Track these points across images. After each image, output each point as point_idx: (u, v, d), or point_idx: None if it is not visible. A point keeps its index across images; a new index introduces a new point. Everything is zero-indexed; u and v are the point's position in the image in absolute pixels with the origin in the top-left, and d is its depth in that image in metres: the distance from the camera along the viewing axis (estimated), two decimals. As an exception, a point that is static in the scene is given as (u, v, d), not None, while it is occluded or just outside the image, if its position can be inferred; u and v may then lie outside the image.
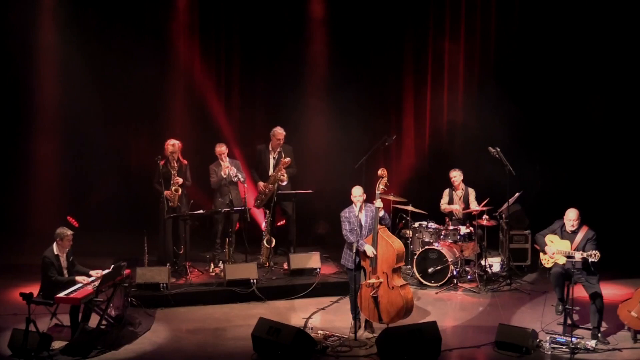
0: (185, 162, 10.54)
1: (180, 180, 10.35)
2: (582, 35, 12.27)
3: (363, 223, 8.52)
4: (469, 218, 10.82)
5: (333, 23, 12.73)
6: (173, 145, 10.40)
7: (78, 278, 8.48)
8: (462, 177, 10.90)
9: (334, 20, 12.76)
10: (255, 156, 11.12)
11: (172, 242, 10.47)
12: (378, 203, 8.45)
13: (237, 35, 12.89)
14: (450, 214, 10.99)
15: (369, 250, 8.41)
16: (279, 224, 11.18)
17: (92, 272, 8.67)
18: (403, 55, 12.71)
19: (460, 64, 12.52)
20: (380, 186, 8.64)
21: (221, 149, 10.63)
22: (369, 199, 8.65)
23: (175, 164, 10.36)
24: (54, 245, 8.52)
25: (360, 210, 8.50)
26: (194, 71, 12.93)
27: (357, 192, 8.53)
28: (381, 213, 8.48)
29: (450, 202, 11.02)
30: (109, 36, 12.48)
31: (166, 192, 10.28)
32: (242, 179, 10.48)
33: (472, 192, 10.94)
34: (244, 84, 13.00)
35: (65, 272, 8.56)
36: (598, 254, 8.15)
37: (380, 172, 8.68)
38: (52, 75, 12.40)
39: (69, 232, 8.55)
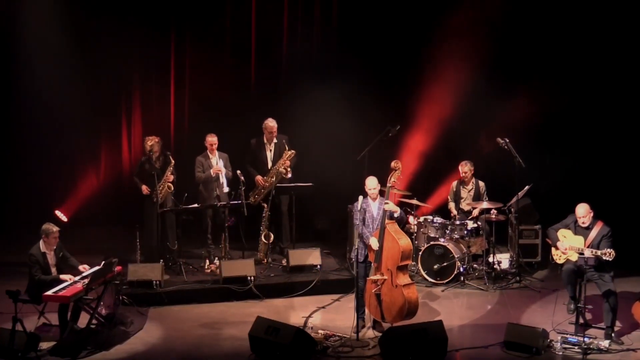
0: (168, 155, 10.52)
1: (172, 177, 10.34)
2: (595, 22, 12.23)
3: (375, 215, 8.59)
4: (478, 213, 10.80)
5: (335, 8, 12.68)
6: (151, 141, 10.37)
7: (63, 276, 8.47)
8: (472, 171, 10.88)
9: (336, 5, 12.72)
10: (250, 151, 11.10)
11: (162, 238, 10.43)
12: (388, 206, 8.48)
13: (230, 22, 12.84)
14: (457, 207, 10.98)
15: (374, 242, 8.45)
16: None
17: (80, 267, 8.64)
18: (409, 44, 12.66)
19: (468, 53, 12.48)
20: (392, 179, 8.67)
21: (212, 139, 10.64)
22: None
23: (159, 160, 10.31)
24: (41, 242, 8.51)
25: (373, 201, 8.59)
26: (187, 62, 12.90)
27: (372, 184, 8.61)
28: (397, 214, 8.55)
29: (457, 195, 11.00)
30: (99, 26, 12.42)
31: (145, 188, 10.26)
32: (238, 173, 10.46)
33: (482, 186, 10.91)
34: (238, 74, 12.95)
35: (53, 269, 8.54)
36: (613, 252, 8.11)
37: (393, 164, 8.73)
38: (37, 65, 12.32)
39: (55, 229, 8.53)
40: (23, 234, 10.77)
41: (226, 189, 10.64)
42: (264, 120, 10.91)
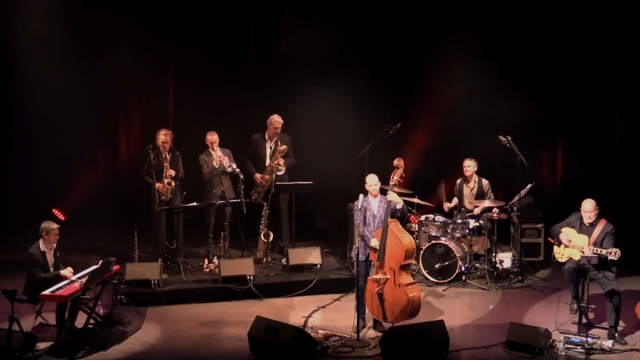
0: (177, 152, 10.54)
1: (173, 172, 10.34)
2: (597, 18, 12.21)
3: (376, 213, 8.58)
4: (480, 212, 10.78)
5: (337, 4, 12.65)
6: (165, 134, 10.40)
7: (63, 272, 8.47)
8: (475, 168, 10.85)
9: (338, 1, 12.71)
10: (251, 147, 11.10)
11: (165, 237, 10.44)
12: (390, 196, 8.46)
13: (231, 17, 12.83)
14: (459, 205, 10.96)
15: (375, 243, 8.46)
16: None
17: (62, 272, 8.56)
18: (412, 40, 12.64)
19: (471, 50, 12.46)
20: (395, 177, 8.67)
21: (213, 137, 10.63)
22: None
23: (168, 155, 10.35)
24: (40, 241, 8.49)
25: (374, 198, 8.58)
26: (186, 57, 12.89)
27: (372, 181, 8.60)
28: (399, 206, 8.53)
29: (460, 194, 10.97)
30: (96, 20, 12.40)
31: (158, 185, 10.27)
32: (236, 169, 10.46)
33: (486, 184, 10.86)
34: (238, 70, 12.95)
35: (52, 269, 8.53)
36: (619, 252, 8.10)
37: (396, 162, 8.71)
38: (36, 65, 12.30)
39: (55, 226, 8.52)
40: (20, 233, 10.74)
41: (232, 167, 10.48)
42: (270, 116, 10.89)
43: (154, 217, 10.44)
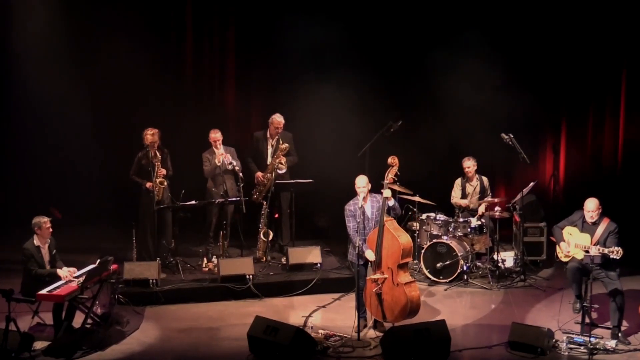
0: (165, 150, 10.52)
1: (164, 171, 10.32)
2: (599, 14, 12.20)
3: (369, 215, 8.50)
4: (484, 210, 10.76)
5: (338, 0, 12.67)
6: (152, 134, 10.31)
7: (59, 271, 8.46)
8: (475, 167, 10.82)
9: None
10: (252, 144, 11.10)
11: (159, 236, 10.41)
12: (386, 193, 8.42)
13: (233, 16, 12.83)
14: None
15: (369, 255, 8.41)
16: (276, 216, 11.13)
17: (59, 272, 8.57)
18: (412, 37, 12.63)
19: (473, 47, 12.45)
20: (389, 175, 8.62)
21: (215, 135, 10.62)
22: (376, 189, 8.63)
23: (158, 154, 10.30)
24: (34, 236, 8.51)
25: (364, 201, 8.48)
26: (186, 55, 12.88)
27: (361, 183, 8.51)
28: (391, 202, 8.46)
29: (463, 193, 10.95)
30: (95, 19, 12.40)
31: (149, 184, 10.23)
32: (237, 167, 10.45)
33: (486, 181, 10.86)
34: (239, 68, 12.95)
35: (47, 265, 8.54)
36: (620, 251, 8.08)
37: (390, 160, 8.66)
38: (32, 60, 12.30)
39: (45, 219, 8.54)
40: (18, 232, 10.72)
41: (233, 165, 10.45)
42: (272, 115, 10.89)
43: (145, 216, 10.37)
